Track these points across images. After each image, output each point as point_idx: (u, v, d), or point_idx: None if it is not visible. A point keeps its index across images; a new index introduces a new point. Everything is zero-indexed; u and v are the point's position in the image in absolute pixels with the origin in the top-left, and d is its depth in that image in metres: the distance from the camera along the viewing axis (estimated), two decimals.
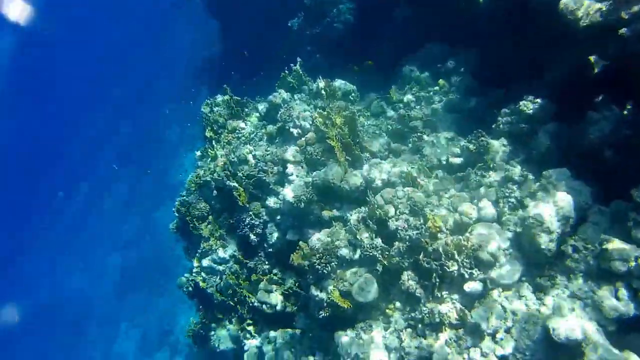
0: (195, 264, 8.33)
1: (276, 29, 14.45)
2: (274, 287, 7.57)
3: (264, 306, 7.39)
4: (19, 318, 26.99)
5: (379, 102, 9.12)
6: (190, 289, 8.48)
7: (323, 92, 8.12)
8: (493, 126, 7.31)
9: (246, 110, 8.89)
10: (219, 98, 9.12)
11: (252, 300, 7.53)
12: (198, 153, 9.14)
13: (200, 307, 8.64)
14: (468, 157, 7.10)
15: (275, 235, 7.60)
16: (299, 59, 9.05)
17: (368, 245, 6.28)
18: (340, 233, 6.59)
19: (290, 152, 7.40)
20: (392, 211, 6.51)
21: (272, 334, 7.56)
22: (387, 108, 9.07)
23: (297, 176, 7.25)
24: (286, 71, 8.89)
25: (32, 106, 36.83)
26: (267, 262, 7.80)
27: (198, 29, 25.09)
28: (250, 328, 7.66)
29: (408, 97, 9.05)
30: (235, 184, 7.55)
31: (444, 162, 7.25)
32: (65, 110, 37.80)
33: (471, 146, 7.00)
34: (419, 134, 7.58)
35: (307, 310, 7.39)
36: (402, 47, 10.25)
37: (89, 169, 31.97)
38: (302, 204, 6.94)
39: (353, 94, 9.14)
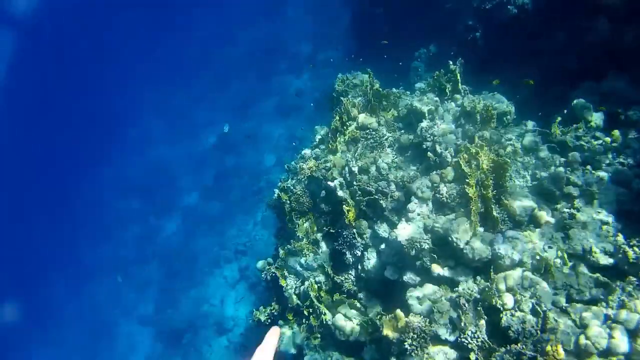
0: (281, 254, 8.17)
1: None
2: (354, 313, 7.31)
3: (337, 331, 7.20)
4: None
5: (535, 135, 8.10)
6: (268, 278, 8.42)
7: (478, 116, 7.24)
8: None
9: (384, 103, 8.17)
10: (358, 77, 8.43)
11: (327, 319, 7.35)
12: (320, 132, 8.66)
13: (275, 299, 8.62)
14: (621, 262, 6.22)
15: (373, 262, 7.26)
16: (459, 59, 8.08)
17: (470, 335, 5.81)
18: (444, 306, 6.11)
19: (419, 184, 6.78)
20: (510, 302, 5.92)
21: (335, 356, 7.45)
22: (541, 146, 8.05)
23: (418, 214, 6.67)
24: (441, 70, 7.99)
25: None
26: (355, 284, 7.51)
27: None
28: (317, 342, 7.54)
29: (569, 138, 7.97)
30: (348, 197, 7.13)
31: (590, 257, 6.39)
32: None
33: (630, 253, 6.10)
34: (572, 210, 6.67)
35: (380, 344, 7.18)
36: (586, 70, 8.92)
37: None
38: (414, 251, 6.43)
39: (508, 117, 8.17)
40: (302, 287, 7.92)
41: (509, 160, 7.05)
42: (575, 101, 8.49)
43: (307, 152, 8.88)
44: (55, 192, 36.40)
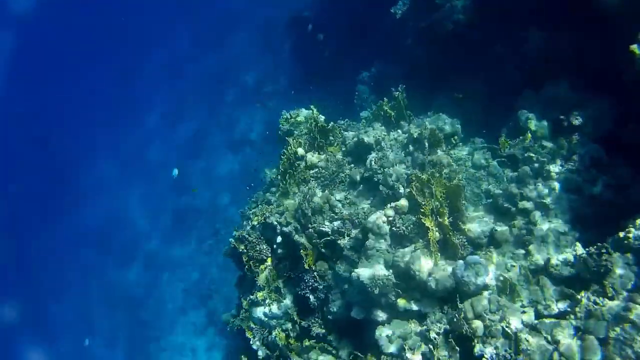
0: (244, 305, 8.04)
1: (374, 12, 13.37)
2: (327, 357, 7.22)
3: None
4: None
5: (484, 152, 8.24)
6: (235, 330, 8.26)
7: (425, 142, 7.31)
8: (620, 234, 6.47)
9: (330, 138, 8.18)
10: (302, 114, 8.44)
11: None
12: (269, 174, 8.62)
13: (244, 350, 8.46)
14: (583, 271, 6.32)
15: (338, 303, 7.19)
16: (401, 86, 8.18)
17: None
18: (415, 342, 6.08)
19: (374, 219, 6.76)
20: (481, 329, 5.93)
21: None
22: (491, 162, 8.19)
23: (377, 251, 6.65)
24: (385, 99, 8.06)
25: None
26: (323, 326, 7.42)
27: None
28: None
29: (517, 151, 8.12)
30: (304, 241, 7.07)
31: (553, 270, 6.48)
32: None
33: (590, 262, 6.21)
34: (529, 225, 6.77)
35: None
36: (527, 79, 9.14)
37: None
38: (378, 289, 6.40)
39: (456, 137, 8.29)
40: (269, 337, 7.79)
41: (461, 184, 7.13)
42: (519, 112, 8.68)
43: (259, 194, 8.82)
44: (8, 251, 35.03)
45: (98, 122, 35.74)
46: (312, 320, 7.55)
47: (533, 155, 8.02)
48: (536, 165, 7.94)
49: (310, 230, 7.28)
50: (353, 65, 14.76)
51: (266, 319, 7.79)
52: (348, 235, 7.10)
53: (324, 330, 7.53)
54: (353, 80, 14.72)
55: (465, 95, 9.98)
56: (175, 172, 20.31)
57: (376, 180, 7.27)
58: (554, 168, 7.76)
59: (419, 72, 12.04)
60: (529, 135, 8.32)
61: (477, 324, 6.02)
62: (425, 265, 6.37)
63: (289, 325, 7.67)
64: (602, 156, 7.67)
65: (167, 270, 23.09)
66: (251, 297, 7.93)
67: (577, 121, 8.17)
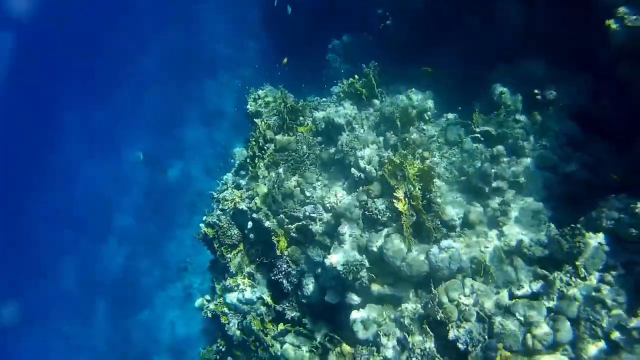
0: (218, 290, 7.92)
1: None
2: (302, 339, 7.20)
3: None
4: None
5: (458, 128, 8.12)
6: (209, 315, 8.16)
7: (398, 121, 7.15)
8: (593, 214, 6.47)
9: (300, 119, 7.96)
10: (270, 94, 8.17)
11: (276, 351, 7.20)
12: (239, 156, 8.37)
13: (220, 334, 8.39)
14: (556, 252, 6.32)
15: (312, 287, 7.12)
16: (372, 62, 7.95)
17: (419, 354, 5.79)
18: (390, 328, 6.06)
19: (347, 204, 6.64)
20: (455, 314, 5.92)
21: None
22: (465, 138, 8.08)
23: (350, 236, 6.55)
24: (356, 76, 7.84)
25: None
26: (297, 309, 7.37)
27: None
28: None
29: (491, 127, 8.03)
30: (276, 227, 6.93)
31: (526, 251, 6.47)
32: None
33: (564, 243, 6.20)
34: (504, 206, 6.73)
35: None
36: (502, 54, 8.97)
37: None
38: (351, 275, 6.33)
39: (428, 113, 8.14)
40: (244, 322, 7.72)
41: (434, 166, 7.04)
42: (492, 86, 8.55)
43: (228, 177, 8.62)
44: None
45: (66, 100, 34.60)
46: (287, 304, 7.50)
47: (507, 131, 7.94)
48: (510, 141, 7.88)
49: (281, 215, 7.13)
50: (324, 35, 14.41)
51: (240, 304, 7.71)
52: (320, 220, 6.97)
53: (298, 314, 7.49)
54: (324, 50, 14.39)
55: (433, 69, 9.77)
56: (140, 155, 19.99)
57: (348, 162, 7.12)
58: (528, 145, 7.70)
59: (391, 44, 11.79)
60: (503, 109, 8.23)
61: (451, 308, 6.00)
62: (398, 251, 6.29)
63: (264, 310, 7.61)
64: (578, 133, 7.63)
65: (142, 245, 22.83)
66: (224, 282, 7.83)
67: (551, 96, 8.08)
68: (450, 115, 8.52)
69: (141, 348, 19.45)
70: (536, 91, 8.30)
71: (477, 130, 8.15)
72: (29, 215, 31.42)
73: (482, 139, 8.12)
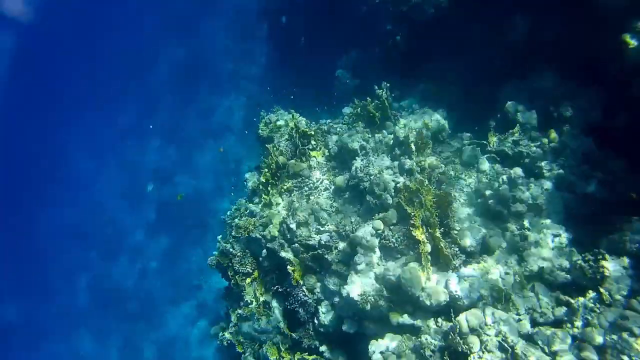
0: (233, 318, 7.83)
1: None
2: None
3: None
4: None
5: (474, 148, 8.00)
6: (225, 344, 8.07)
7: (412, 145, 7.05)
8: (615, 237, 6.34)
9: (312, 143, 7.87)
10: (281, 117, 8.09)
11: None
12: (250, 180, 8.30)
13: None
14: (578, 277, 6.19)
15: (330, 317, 7.01)
16: (384, 83, 7.86)
17: None
18: (411, 358, 5.93)
19: (363, 232, 6.54)
20: (477, 345, 5.79)
21: None
22: (481, 157, 7.96)
23: (366, 265, 6.45)
24: (367, 99, 7.75)
25: None
26: (314, 337, 7.26)
27: None
28: None
29: (507, 146, 7.92)
30: (291, 256, 6.83)
31: (548, 276, 6.34)
32: None
33: (586, 268, 6.08)
34: (523, 231, 6.59)
35: None
36: (512, 66, 8.87)
37: None
38: (369, 305, 6.22)
39: (443, 134, 8.03)
40: (260, 351, 7.62)
41: (451, 192, 6.93)
42: (507, 104, 8.43)
43: (241, 202, 8.56)
44: None
45: (75, 115, 34.71)
46: (303, 333, 7.39)
47: (524, 150, 7.83)
48: (527, 160, 7.76)
49: (296, 244, 7.04)
50: (330, 50, 14.35)
51: (256, 333, 7.62)
52: (336, 248, 6.86)
53: (316, 342, 7.38)
54: (333, 65, 14.33)
55: (444, 83, 9.71)
56: (150, 186, 20.02)
57: (362, 188, 7.02)
58: (546, 165, 7.57)
59: (399, 58, 11.72)
60: (518, 128, 8.11)
61: (473, 339, 5.87)
62: (417, 279, 6.18)
63: (280, 338, 7.51)
64: (594, 150, 7.49)
65: (154, 262, 22.78)
66: (239, 311, 7.74)
67: (568, 112, 7.96)
68: (465, 135, 8.40)
69: None
70: (552, 108, 8.19)
71: (493, 149, 8.04)
72: (37, 230, 31.47)
73: (498, 159, 8.00)
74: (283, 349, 7.38)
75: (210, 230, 19.56)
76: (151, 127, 21.83)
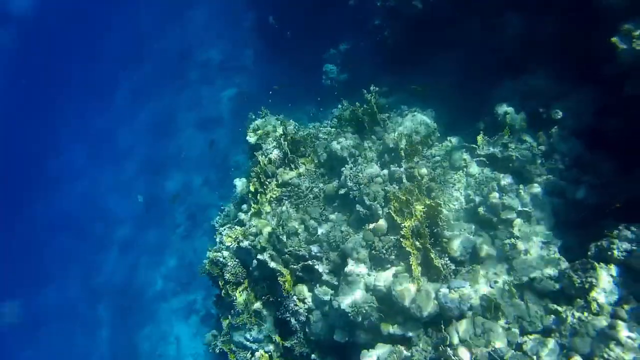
0: (225, 327, 7.87)
1: None
2: None
3: None
4: None
5: (462, 152, 8.00)
6: (217, 351, 8.12)
7: (402, 152, 7.04)
8: (603, 244, 6.40)
9: (302, 149, 7.84)
10: (270, 122, 8.04)
11: None
12: (239, 187, 8.26)
13: None
14: (567, 286, 6.25)
15: (320, 325, 7.06)
16: (373, 87, 7.82)
17: None
18: None
19: (353, 244, 6.56)
20: (466, 356, 5.89)
21: None
22: (470, 161, 7.97)
23: (357, 275, 6.48)
24: (357, 104, 7.71)
25: None
26: (306, 345, 7.32)
27: None
28: None
29: (497, 150, 7.92)
30: (281, 267, 6.85)
31: (537, 285, 6.40)
32: None
33: (575, 278, 6.14)
34: (512, 240, 6.63)
35: None
36: (503, 65, 8.84)
37: None
38: (360, 317, 6.27)
39: (432, 137, 8.02)
40: (252, 359, 7.68)
41: (441, 199, 6.95)
42: (496, 106, 8.42)
43: (230, 209, 8.54)
44: None
45: (65, 107, 34.33)
46: (295, 341, 7.44)
47: (513, 154, 7.83)
48: (516, 164, 7.78)
49: (286, 255, 7.05)
50: (318, 43, 14.23)
51: (248, 342, 7.67)
52: (326, 259, 6.88)
53: (307, 350, 7.43)
54: (320, 58, 14.22)
55: (433, 79, 9.65)
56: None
57: (352, 197, 7.01)
58: (534, 169, 7.59)
59: (388, 53, 11.65)
60: (507, 130, 8.11)
61: (463, 350, 5.95)
62: (407, 290, 6.22)
63: (272, 347, 7.56)
64: (584, 153, 7.53)
65: (144, 255, 22.73)
66: (231, 321, 7.77)
67: (557, 116, 7.95)
68: (454, 139, 8.39)
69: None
70: (541, 109, 8.17)
71: (482, 153, 8.04)
72: (30, 221, 31.30)
73: (487, 162, 8.01)
74: (275, 357, 7.44)
75: (199, 224, 19.52)
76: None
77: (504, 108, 8.30)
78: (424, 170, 7.19)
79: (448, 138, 8.44)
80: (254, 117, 8.84)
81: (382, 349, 6.49)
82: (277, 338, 7.49)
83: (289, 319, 7.28)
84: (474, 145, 8.13)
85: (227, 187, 11.82)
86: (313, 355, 7.42)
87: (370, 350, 6.54)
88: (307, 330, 7.33)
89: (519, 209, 7.06)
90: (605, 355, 5.52)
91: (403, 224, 6.40)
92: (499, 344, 5.98)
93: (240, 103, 20.02)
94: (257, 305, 7.67)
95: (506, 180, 7.31)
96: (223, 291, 7.72)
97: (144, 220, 23.45)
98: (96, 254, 25.28)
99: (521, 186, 7.31)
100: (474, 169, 8.00)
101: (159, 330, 19.91)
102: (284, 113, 8.51)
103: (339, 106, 8.97)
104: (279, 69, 15.98)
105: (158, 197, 23.22)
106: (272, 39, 17.17)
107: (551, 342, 5.89)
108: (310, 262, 6.89)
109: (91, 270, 25.03)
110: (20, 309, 27.48)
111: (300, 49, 14.47)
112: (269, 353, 7.52)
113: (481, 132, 8.30)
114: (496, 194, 7.10)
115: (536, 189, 7.28)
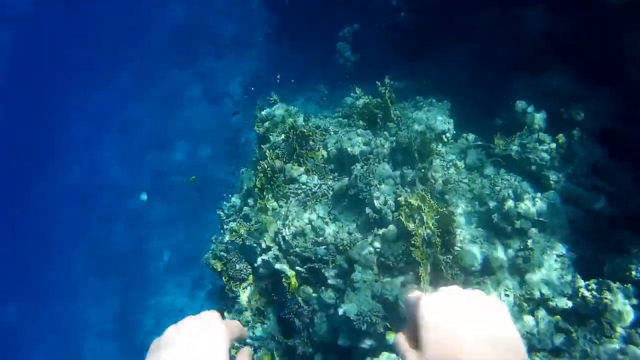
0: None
1: None
2: None
3: None
4: None
5: (479, 151, 7.64)
6: None
7: (415, 153, 6.70)
8: (621, 261, 6.13)
9: (311, 143, 7.48)
10: (277, 111, 7.67)
11: None
12: (245, 179, 7.95)
13: None
14: (580, 305, 5.99)
15: (324, 327, 6.84)
16: (387, 80, 7.42)
17: None
18: None
19: (361, 248, 6.30)
20: None
21: None
22: (486, 161, 7.62)
23: (364, 282, 6.23)
24: (369, 97, 7.35)
25: None
26: (309, 345, 7.13)
27: None
28: None
29: (514, 150, 7.56)
30: (286, 268, 6.59)
31: (551, 304, 6.13)
32: None
33: (589, 297, 5.88)
34: (526, 251, 6.33)
35: None
36: (522, 61, 8.40)
37: None
38: (365, 325, 6.04)
39: (447, 134, 7.65)
40: (255, 356, 7.51)
41: (455, 203, 6.65)
42: (516, 103, 8.00)
43: (236, 201, 8.25)
44: None
45: (69, 80, 33.65)
46: (298, 340, 7.26)
47: (530, 156, 7.47)
48: (533, 167, 7.43)
49: (291, 256, 6.78)
50: (335, 19, 13.71)
51: (250, 340, 7.48)
52: (333, 262, 6.61)
53: (310, 349, 7.25)
54: (333, 36, 13.71)
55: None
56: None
57: (362, 198, 6.70)
58: (553, 175, 7.24)
59: (402, 37, 11.17)
60: (526, 130, 7.74)
61: None
62: None
63: (274, 345, 7.37)
64: (604, 159, 7.16)
65: (151, 229, 22.57)
66: (234, 317, 7.57)
67: (579, 117, 7.56)
68: (470, 137, 8.01)
69: (151, 332, 19.39)
70: (562, 110, 7.77)
71: (499, 153, 7.68)
72: (37, 192, 31.14)
73: (503, 163, 7.65)
74: (277, 356, 7.27)
75: (207, 199, 19.24)
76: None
77: (523, 105, 7.88)
78: (438, 174, 6.85)
79: (464, 135, 8.07)
80: (262, 106, 8.46)
81: (386, 358, 6.28)
82: (280, 337, 7.31)
83: (292, 319, 7.07)
84: (492, 145, 7.76)
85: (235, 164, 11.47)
86: (316, 356, 7.25)
87: (374, 359, 6.34)
88: (310, 330, 7.13)
89: (535, 218, 6.73)
90: None
91: (414, 232, 6.09)
92: None
93: (251, 80, 19.54)
94: (261, 303, 7.46)
95: (523, 186, 6.97)
96: (227, 287, 7.50)
97: (153, 193, 23.18)
98: (103, 226, 25.11)
99: (537, 193, 6.97)
100: (489, 169, 7.65)
101: (165, 303, 19.95)
102: (295, 93, 8.12)
103: (352, 94, 8.59)
104: (295, 44, 15.43)
105: (164, 172, 22.96)
106: (284, 16, 16.60)
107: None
108: (316, 265, 6.62)
109: (98, 241, 24.93)
110: (24, 278, 27.48)
111: (315, 24, 13.92)
112: (272, 351, 7.34)
113: (498, 131, 7.93)
114: (511, 202, 6.75)
115: (553, 195, 6.94)
